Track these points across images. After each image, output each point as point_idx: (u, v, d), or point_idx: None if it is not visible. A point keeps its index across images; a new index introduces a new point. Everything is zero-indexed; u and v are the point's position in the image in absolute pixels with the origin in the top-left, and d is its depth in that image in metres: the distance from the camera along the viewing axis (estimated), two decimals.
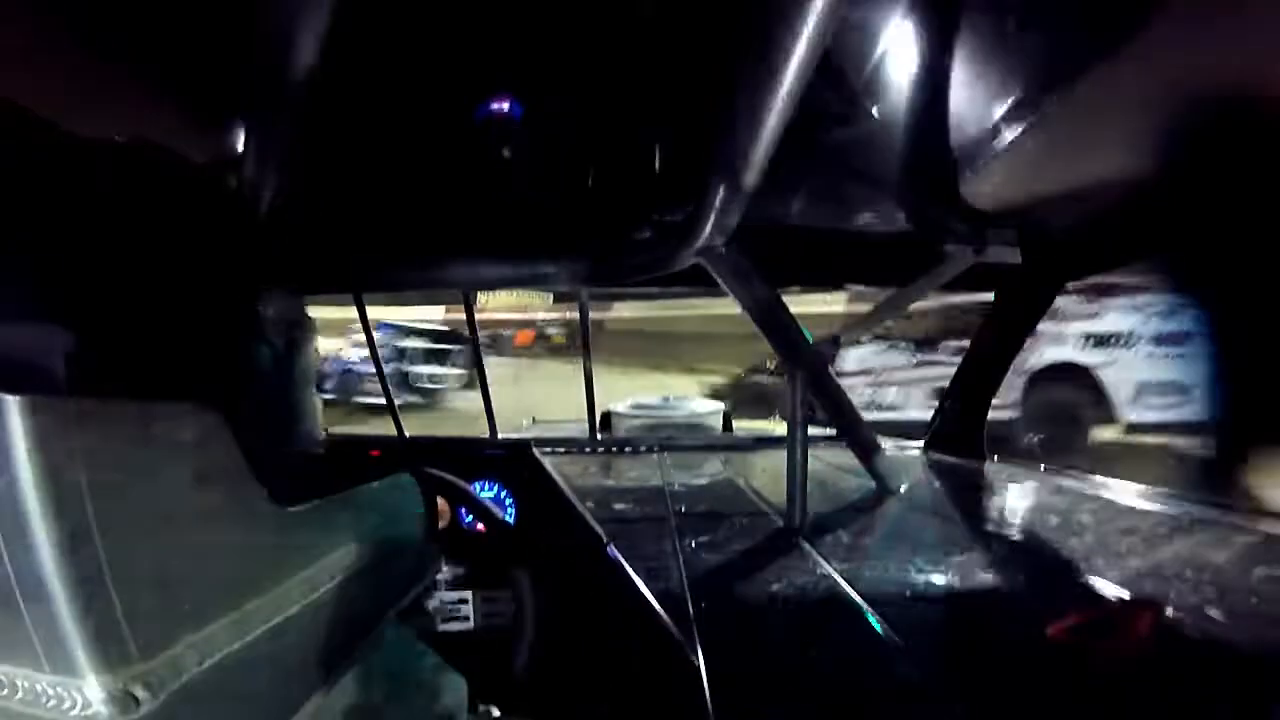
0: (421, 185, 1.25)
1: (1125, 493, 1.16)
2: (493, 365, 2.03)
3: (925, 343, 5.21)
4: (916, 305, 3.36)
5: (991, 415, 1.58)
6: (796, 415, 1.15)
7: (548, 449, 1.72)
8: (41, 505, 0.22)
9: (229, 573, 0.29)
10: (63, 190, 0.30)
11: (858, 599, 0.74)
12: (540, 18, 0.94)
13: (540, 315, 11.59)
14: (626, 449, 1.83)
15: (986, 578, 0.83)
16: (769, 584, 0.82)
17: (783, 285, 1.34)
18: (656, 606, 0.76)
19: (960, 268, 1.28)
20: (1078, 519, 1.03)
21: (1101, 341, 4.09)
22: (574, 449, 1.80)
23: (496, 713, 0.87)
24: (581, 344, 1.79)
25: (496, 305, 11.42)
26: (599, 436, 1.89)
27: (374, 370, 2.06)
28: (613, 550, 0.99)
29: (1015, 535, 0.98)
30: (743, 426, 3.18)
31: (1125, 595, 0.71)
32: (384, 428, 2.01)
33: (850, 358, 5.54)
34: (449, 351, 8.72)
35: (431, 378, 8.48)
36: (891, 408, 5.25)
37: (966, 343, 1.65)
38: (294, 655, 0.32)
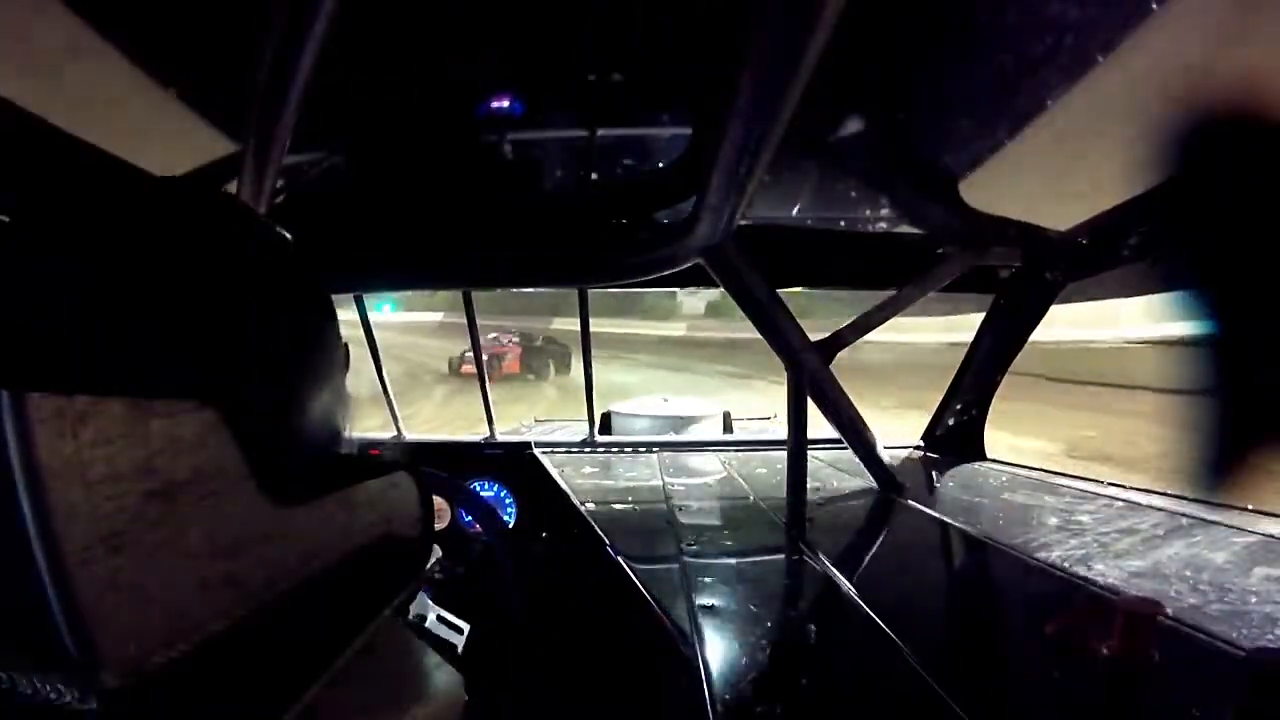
0: (421, 184, 1.25)
1: (1124, 493, 1.16)
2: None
3: None
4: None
5: None
6: (796, 415, 1.15)
7: (548, 449, 1.72)
8: (38, 500, 0.22)
9: (225, 569, 0.29)
10: (61, 188, 0.30)
11: (857, 598, 0.74)
12: (541, 16, 0.94)
13: None
14: (626, 449, 1.83)
15: (986, 577, 0.83)
16: (769, 584, 0.82)
17: (783, 285, 1.34)
18: (656, 606, 0.76)
19: (960, 268, 1.28)
20: (1076, 519, 1.03)
21: None
22: (574, 449, 1.80)
23: (493, 710, 0.86)
24: (581, 344, 1.79)
25: None
26: (599, 437, 1.90)
27: None
28: (613, 550, 0.99)
29: (1014, 535, 0.98)
30: (742, 424, 3.17)
31: (1124, 594, 0.71)
32: None
33: None
34: None
35: None
36: None
37: None
38: (288, 651, 0.33)
